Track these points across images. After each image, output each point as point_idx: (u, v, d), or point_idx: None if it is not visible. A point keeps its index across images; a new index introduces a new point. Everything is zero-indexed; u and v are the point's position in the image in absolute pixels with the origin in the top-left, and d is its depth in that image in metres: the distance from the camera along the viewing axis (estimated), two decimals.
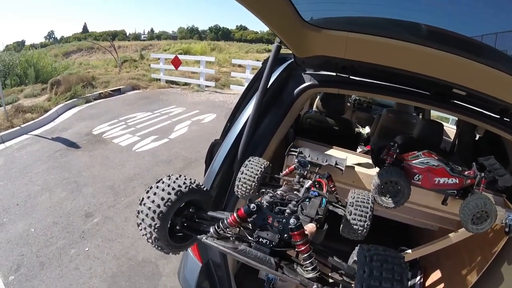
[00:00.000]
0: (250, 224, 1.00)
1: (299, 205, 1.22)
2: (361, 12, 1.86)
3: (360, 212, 1.45)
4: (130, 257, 4.26)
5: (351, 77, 2.17)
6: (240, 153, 2.02)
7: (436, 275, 3.08)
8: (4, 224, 4.77)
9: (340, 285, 0.89)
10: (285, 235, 0.94)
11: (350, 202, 1.50)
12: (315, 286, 0.85)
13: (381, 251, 0.79)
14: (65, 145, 7.58)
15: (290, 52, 2.14)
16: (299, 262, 0.93)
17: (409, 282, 3.10)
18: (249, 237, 0.99)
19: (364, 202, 1.49)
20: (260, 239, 0.96)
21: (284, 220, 0.94)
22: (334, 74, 2.21)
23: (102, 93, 12.34)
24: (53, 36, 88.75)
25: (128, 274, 3.99)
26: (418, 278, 3.13)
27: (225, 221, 1.00)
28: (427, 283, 3.10)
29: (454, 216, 2.38)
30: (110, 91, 12.76)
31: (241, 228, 1.03)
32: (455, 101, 2.14)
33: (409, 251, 2.72)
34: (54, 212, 5.09)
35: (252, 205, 0.97)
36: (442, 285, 2.94)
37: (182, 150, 7.75)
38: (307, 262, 0.90)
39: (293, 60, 2.30)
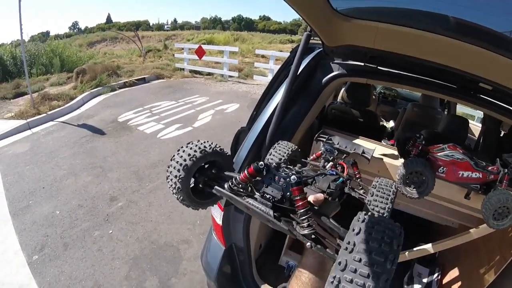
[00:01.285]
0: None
1: (313, 179, 1.27)
2: (392, 2, 1.88)
3: (382, 194, 1.50)
4: (153, 240, 4.34)
5: (379, 67, 2.18)
6: (268, 139, 2.07)
7: (454, 272, 3.07)
8: (30, 206, 4.90)
9: (334, 248, 0.91)
10: (287, 193, 0.99)
11: (373, 185, 1.56)
12: (308, 243, 0.88)
13: (377, 217, 0.80)
14: (90, 132, 7.72)
15: (318, 41, 2.17)
16: (297, 220, 0.96)
17: (426, 279, 3.11)
18: (256, 193, 1.05)
19: (387, 186, 1.54)
20: (264, 194, 1.02)
21: (287, 178, 1.00)
22: (363, 64, 2.23)
23: (127, 82, 12.49)
24: (77, 26, 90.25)
25: (150, 257, 4.07)
26: (436, 275, 3.12)
27: (238, 177, 1.06)
28: (445, 280, 3.10)
29: (475, 213, 2.39)
30: (135, 80, 12.89)
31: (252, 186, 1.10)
32: (481, 96, 2.14)
33: (429, 245, 2.72)
34: (79, 195, 5.21)
35: (260, 163, 1.03)
36: (460, 283, 2.93)
37: (206, 138, 7.66)
38: (303, 217, 0.93)
39: (321, 49, 2.32)
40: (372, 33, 1.78)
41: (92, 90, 10.89)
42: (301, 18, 1.69)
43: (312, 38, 2.14)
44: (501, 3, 1.62)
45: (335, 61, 2.36)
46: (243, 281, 2.37)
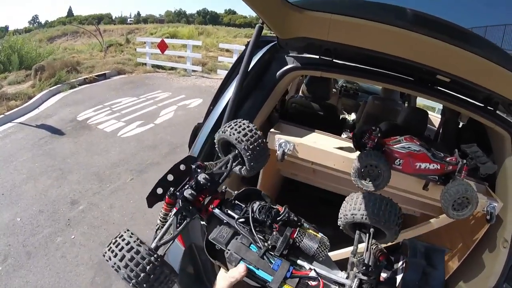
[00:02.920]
0: None
1: None
2: None
3: None
4: None
5: (334, 60, 2.15)
6: None
7: None
8: None
9: None
10: None
11: None
12: None
13: None
14: (49, 132, 7.48)
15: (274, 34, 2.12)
16: None
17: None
18: None
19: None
20: None
21: None
22: (318, 57, 2.20)
23: (87, 78, 12.14)
24: (38, 20, 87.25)
25: None
26: (401, 263, 3.16)
27: None
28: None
29: (435, 202, 2.41)
30: (95, 76, 12.55)
31: None
32: (439, 88, 2.15)
33: None
34: (39, 200, 5.06)
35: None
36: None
37: (168, 135, 7.72)
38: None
39: (276, 42, 2.27)
40: (325, 25, 1.74)
41: (51, 88, 10.55)
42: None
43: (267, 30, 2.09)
44: None
45: (290, 54, 2.32)
46: (206, 281, 2.31)
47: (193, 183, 0.98)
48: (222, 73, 14.09)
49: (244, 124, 1.15)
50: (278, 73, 2.28)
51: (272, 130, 2.38)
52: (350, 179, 2.12)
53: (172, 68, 15.19)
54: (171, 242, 0.95)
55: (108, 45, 18.26)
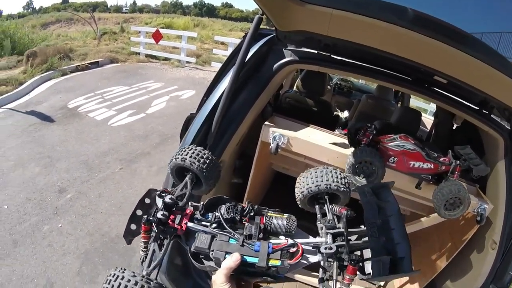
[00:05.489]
0: None
1: None
2: None
3: None
4: (104, 233, 4.23)
5: (332, 55, 2.13)
6: (214, 126, 1.97)
7: None
8: None
9: None
10: None
11: None
12: None
13: None
14: (39, 119, 7.34)
15: (273, 27, 2.09)
16: None
17: None
18: None
19: None
20: None
21: None
22: (316, 51, 2.18)
23: (79, 65, 11.92)
24: (32, 6, 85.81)
25: (102, 250, 3.97)
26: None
27: None
28: None
29: (426, 202, 2.42)
30: (88, 63, 12.33)
31: None
32: (435, 88, 2.15)
33: None
34: (27, 188, 4.98)
35: None
36: None
37: (159, 125, 7.66)
38: None
39: (274, 35, 2.25)
40: (326, 20, 1.71)
41: (42, 74, 10.34)
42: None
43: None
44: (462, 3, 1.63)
45: (288, 48, 2.29)
46: (194, 273, 2.30)
47: (162, 206, 1.05)
48: (216, 66, 13.98)
49: (192, 149, 1.28)
50: (275, 66, 2.26)
51: (266, 123, 2.37)
52: None
53: (166, 59, 15.03)
54: (160, 265, 1.03)
55: (102, 33, 17.98)
